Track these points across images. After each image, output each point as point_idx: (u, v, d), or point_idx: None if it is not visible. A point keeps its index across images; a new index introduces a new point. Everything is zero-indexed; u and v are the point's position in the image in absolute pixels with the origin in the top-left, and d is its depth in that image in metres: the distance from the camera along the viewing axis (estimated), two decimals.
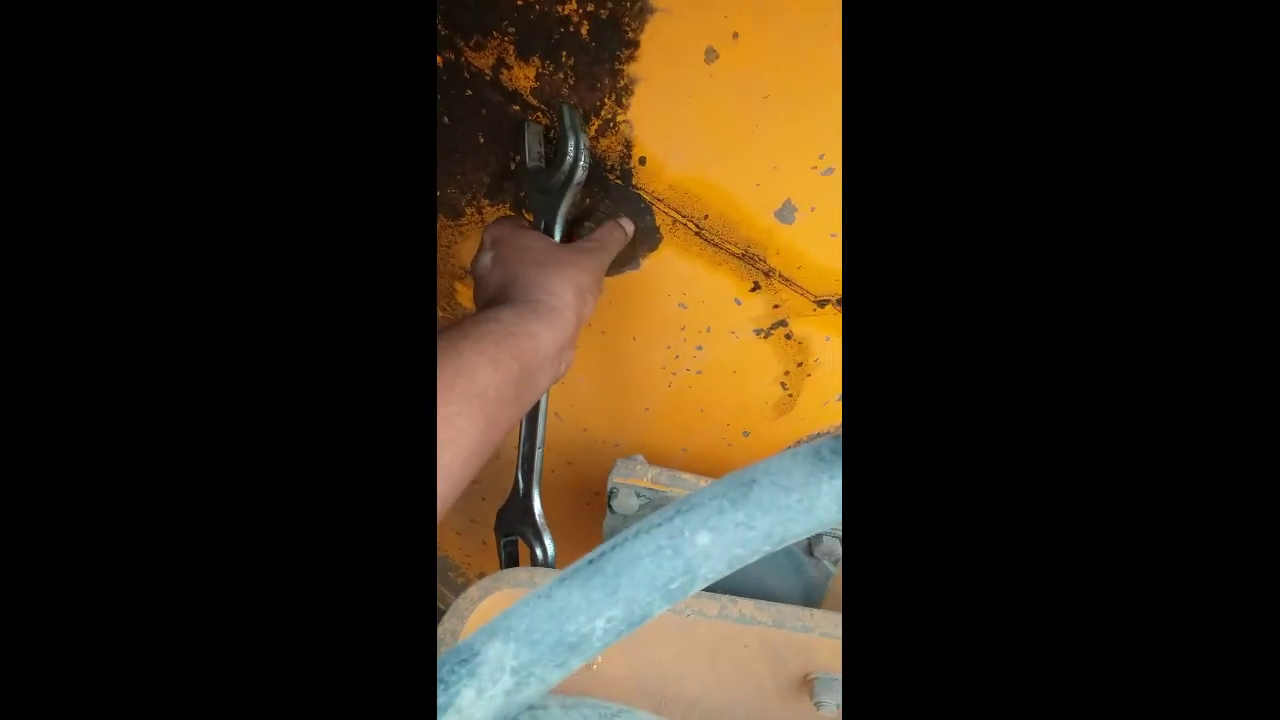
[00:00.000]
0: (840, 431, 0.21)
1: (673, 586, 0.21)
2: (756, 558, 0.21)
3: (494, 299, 0.43)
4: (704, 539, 0.21)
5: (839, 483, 0.20)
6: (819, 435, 0.61)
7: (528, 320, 0.40)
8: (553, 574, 0.22)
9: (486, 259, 0.46)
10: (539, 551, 0.54)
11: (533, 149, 0.48)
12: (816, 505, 0.21)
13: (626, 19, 0.43)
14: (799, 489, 0.21)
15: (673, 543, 0.21)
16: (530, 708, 0.24)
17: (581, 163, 0.47)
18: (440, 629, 0.45)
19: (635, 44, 0.44)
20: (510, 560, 0.56)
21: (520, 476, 0.53)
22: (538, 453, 0.52)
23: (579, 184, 0.48)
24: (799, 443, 0.55)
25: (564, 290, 0.43)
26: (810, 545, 0.54)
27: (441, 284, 0.64)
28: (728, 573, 0.21)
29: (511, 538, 0.55)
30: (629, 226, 0.50)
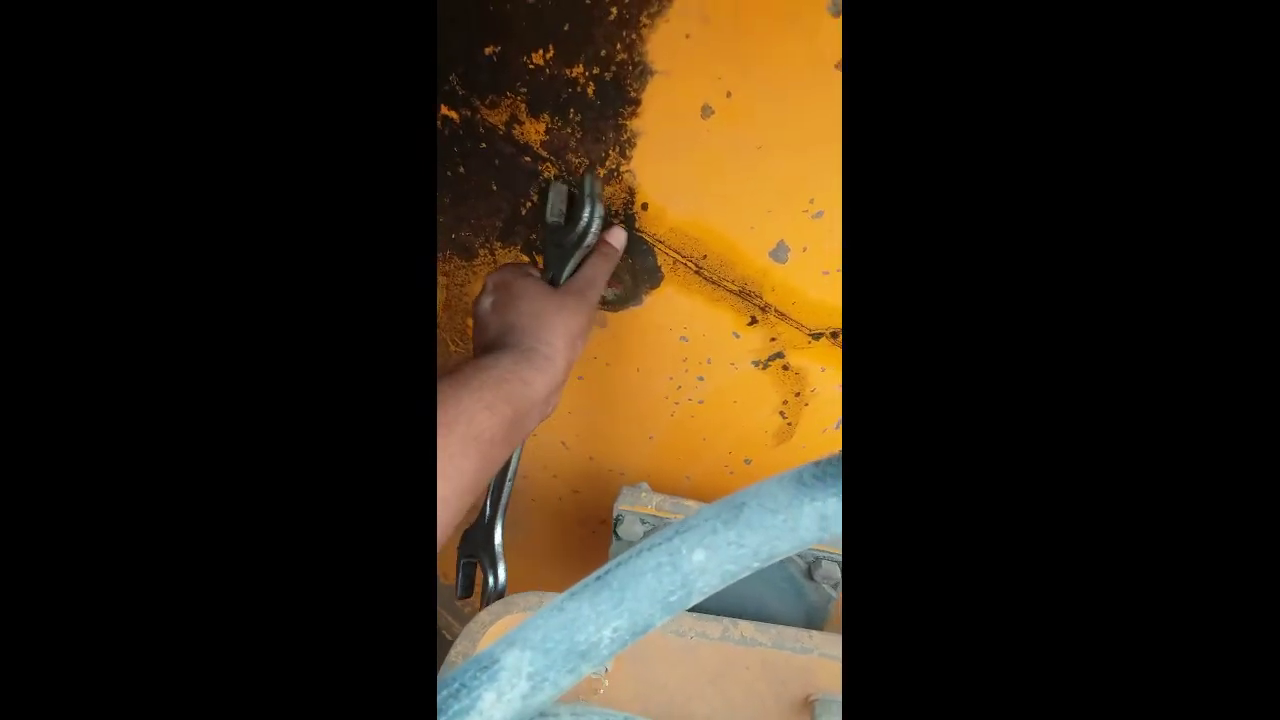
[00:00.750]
0: (821, 457, 0.24)
1: (672, 599, 0.23)
2: (747, 573, 0.24)
3: (492, 343, 0.46)
4: (699, 556, 0.23)
5: (819, 504, 0.23)
6: None
7: (522, 368, 0.43)
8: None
9: (487, 303, 0.49)
10: (491, 579, 0.54)
11: (555, 206, 0.52)
12: (799, 525, 0.23)
13: (629, 80, 0.47)
14: (784, 510, 0.23)
15: (671, 559, 0.23)
16: (542, 715, 0.26)
17: (594, 228, 0.50)
18: (453, 651, 0.47)
19: (637, 102, 0.47)
20: (467, 582, 0.56)
21: (488, 504, 0.54)
22: (508, 484, 0.53)
23: (589, 246, 0.51)
24: None
25: (556, 339, 0.46)
26: (810, 570, 0.56)
27: (455, 321, 0.67)
28: (721, 586, 0.24)
29: (471, 560, 0.56)
30: (617, 240, 0.52)
